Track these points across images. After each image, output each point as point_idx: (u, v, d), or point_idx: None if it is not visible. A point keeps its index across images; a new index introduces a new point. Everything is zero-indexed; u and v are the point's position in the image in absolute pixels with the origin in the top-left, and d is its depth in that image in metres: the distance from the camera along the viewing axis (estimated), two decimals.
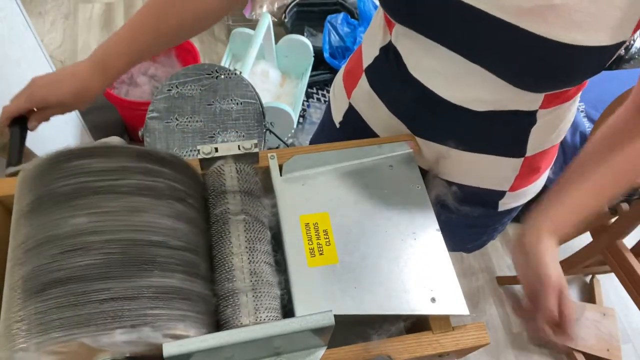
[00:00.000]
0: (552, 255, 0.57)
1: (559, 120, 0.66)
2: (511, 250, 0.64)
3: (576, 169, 0.60)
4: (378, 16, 0.69)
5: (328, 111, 0.88)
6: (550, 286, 0.54)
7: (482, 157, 0.68)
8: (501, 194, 0.74)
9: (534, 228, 0.58)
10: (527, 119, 0.63)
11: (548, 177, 0.78)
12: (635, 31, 0.49)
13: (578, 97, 0.67)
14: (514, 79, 0.55)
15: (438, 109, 0.64)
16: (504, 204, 0.77)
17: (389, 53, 0.66)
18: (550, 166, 0.76)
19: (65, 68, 0.66)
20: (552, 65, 0.51)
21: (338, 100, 0.83)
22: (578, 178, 0.59)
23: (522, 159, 0.68)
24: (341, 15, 1.90)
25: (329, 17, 1.89)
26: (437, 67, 0.60)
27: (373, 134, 0.76)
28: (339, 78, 0.83)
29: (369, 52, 0.71)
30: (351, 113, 0.79)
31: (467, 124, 0.64)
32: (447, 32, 0.55)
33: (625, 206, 1.15)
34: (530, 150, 0.68)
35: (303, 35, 1.90)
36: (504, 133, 0.65)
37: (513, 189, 0.73)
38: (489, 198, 0.75)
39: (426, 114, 0.66)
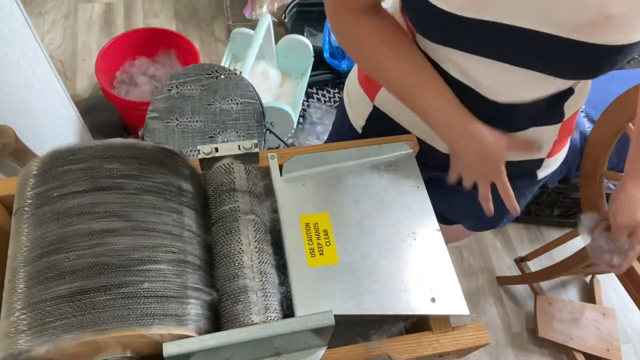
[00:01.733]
0: None
1: (588, 83, 0.69)
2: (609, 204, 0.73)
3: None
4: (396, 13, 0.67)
5: (343, 116, 0.86)
6: None
7: (525, 131, 0.69)
8: (539, 162, 0.77)
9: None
10: (566, 93, 0.65)
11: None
12: None
13: None
14: (567, 76, 0.57)
15: (480, 105, 0.63)
16: (541, 172, 0.79)
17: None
18: (575, 126, 0.79)
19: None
20: (609, 62, 0.52)
21: (356, 105, 0.81)
22: None
23: (561, 123, 0.71)
24: None
25: None
26: (483, 72, 0.59)
27: (404, 132, 0.75)
28: (353, 82, 0.81)
29: None
30: (376, 115, 0.77)
31: (511, 114, 0.65)
32: (491, 50, 0.55)
33: None
34: (567, 114, 0.70)
35: (303, 35, 1.90)
36: (546, 109, 0.66)
37: (550, 154, 0.76)
38: (529, 167, 0.77)
39: (468, 109, 0.65)
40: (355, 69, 0.82)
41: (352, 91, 0.82)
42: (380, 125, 0.77)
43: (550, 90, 0.62)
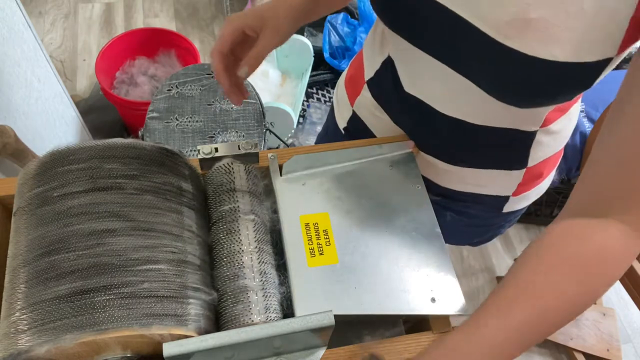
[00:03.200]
0: None
1: (560, 133, 0.65)
2: None
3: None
4: (379, 26, 0.68)
5: (332, 115, 0.88)
6: None
7: (483, 171, 0.68)
8: (505, 199, 0.74)
9: None
10: (527, 137, 0.62)
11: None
12: (622, 50, 0.45)
13: (578, 105, 0.66)
14: (495, 92, 0.53)
15: (435, 123, 0.63)
16: (509, 207, 0.77)
17: (388, 67, 0.66)
18: (555, 169, 0.76)
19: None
20: (531, 81, 0.48)
21: (341, 106, 0.82)
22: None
23: (524, 170, 0.68)
24: (341, 15, 1.90)
25: (329, 17, 1.89)
26: (429, 80, 0.59)
27: None
28: (341, 83, 0.83)
29: (370, 64, 0.71)
30: (355, 120, 0.78)
31: (465, 139, 0.64)
32: (430, 38, 0.54)
33: None
34: (532, 162, 0.67)
35: (303, 35, 1.90)
36: (504, 150, 0.65)
37: (516, 194, 0.73)
38: (493, 203, 0.75)
39: (424, 128, 0.66)
40: (346, 70, 0.83)
41: (340, 92, 0.83)
42: (358, 131, 0.78)
43: (500, 119, 0.59)
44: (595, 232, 0.45)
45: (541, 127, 0.62)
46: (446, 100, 0.60)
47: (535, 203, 0.80)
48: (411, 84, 0.63)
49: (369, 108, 0.74)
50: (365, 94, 0.73)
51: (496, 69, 0.50)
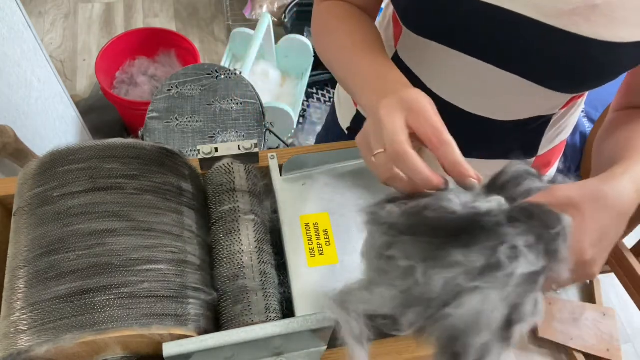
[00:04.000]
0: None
1: (571, 117, 0.66)
2: None
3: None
4: (383, 23, 0.67)
5: (333, 116, 0.86)
6: None
7: (495, 162, 0.68)
8: None
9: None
10: (544, 121, 0.62)
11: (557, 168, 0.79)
12: None
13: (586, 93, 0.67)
14: (548, 82, 0.53)
15: (455, 120, 0.62)
16: None
17: (397, 64, 0.64)
18: (560, 157, 0.76)
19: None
20: (595, 65, 0.49)
21: (344, 106, 0.81)
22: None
23: (534, 158, 0.68)
24: None
25: None
26: (459, 78, 0.57)
27: None
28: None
29: None
30: (359, 119, 0.77)
31: (484, 134, 0.63)
32: (477, 41, 0.52)
33: None
34: (542, 150, 0.67)
35: (303, 35, 1.90)
36: (520, 139, 0.65)
37: None
38: None
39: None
40: None
41: (342, 91, 0.82)
42: None
43: (533, 109, 0.59)
44: None
45: (560, 109, 0.61)
46: (476, 99, 0.59)
47: None
48: (430, 81, 0.61)
49: None
50: None
51: (555, 58, 0.49)
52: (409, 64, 0.63)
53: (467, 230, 0.35)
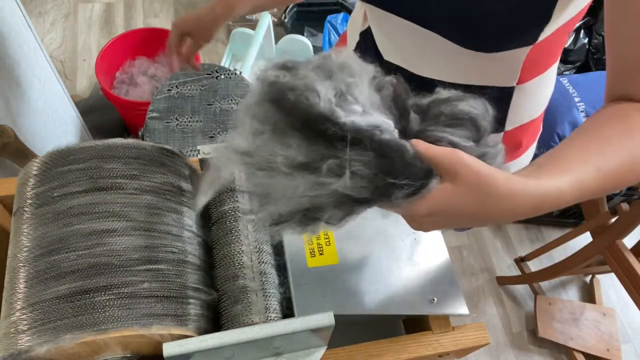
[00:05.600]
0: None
1: (537, 93, 0.66)
2: None
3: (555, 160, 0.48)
4: (359, 1, 0.70)
5: None
6: None
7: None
8: None
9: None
10: (504, 93, 0.63)
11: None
12: None
13: (554, 70, 0.67)
14: (460, 39, 0.54)
15: (416, 87, 0.64)
16: None
17: (367, 38, 0.67)
18: (535, 143, 0.76)
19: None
20: (489, 17, 0.49)
21: None
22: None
23: (501, 134, 0.69)
24: (341, 15, 1.90)
25: (329, 17, 1.89)
26: (402, 43, 0.61)
27: None
28: None
29: (352, 37, 0.73)
30: None
31: None
32: (403, 2, 0.56)
33: (625, 206, 1.14)
34: (509, 125, 0.68)
35: (303, 35, 1.90)
36: None
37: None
38: None
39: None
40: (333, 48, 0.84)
41: None
42: None
43: (476, 75, 0.60)
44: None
45: (517, 83, 0.62)
46: (420, 61, 0.62)
47: None
48: (388, 51, 0.64)
49: None
50: None
51: (453, 10, 0.51)
52: (376, 37, 0.66)
53: (311, 127, 0.37)
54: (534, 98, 0.67)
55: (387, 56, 0.65)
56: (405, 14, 0.57)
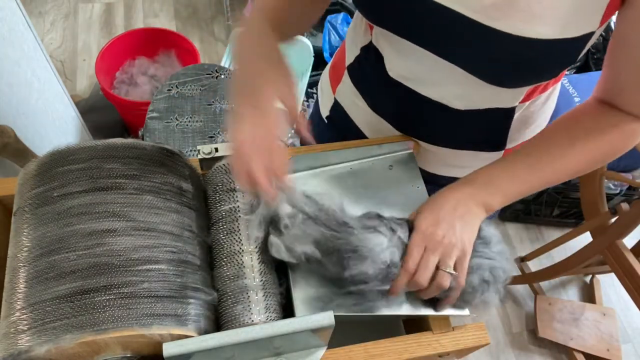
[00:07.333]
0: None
1: (538, 112, 0.66)
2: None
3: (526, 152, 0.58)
4: (360, 14, 0.69)
5: (316, 105, 0.89)
6: None
7: (462, 152, 0.69)
8: None
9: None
10: (506, 114, 0.63)
11: None
12: (603, 22, 0.47)
13: (557, 88, 0.68)
14: (483, 75, 0.54)
15: (419, 107, 0.64)
16: None
17: (370, 53, 0.67)
18: None
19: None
20: (517, 60, 0.50)
21: (325, 94, 0.83)
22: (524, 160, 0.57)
23: (502, 151, 0.69)
24: (341, 15, 1.90)
25: (329, 17, 1.89)
26: (414, 66, 0.60)
27: (357, 130, 0.77)
28: (325, 72, 0.85)
29: (351, 50, 0.72)
30: (337, 108, 0.79)
31: (447, 121, 0.65)
32: (417, 31, 0.55)
33: (625, 206, 1.14)
34: (510, 143, 0.68)
35: (303, 35, 1.90)
36: (484, 130, 0.66)
37: None
38: None
39: (407, 112, 0.67)
40: (332, 59, 0.84)
41: (324, 80, 0.84)
42: (340, 119, 0.79)
43: (483, 101, 0.61)
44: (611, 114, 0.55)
45: (520, 102, 0.62)
46: (428, 83, 0.61)
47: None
48: (395, 69, 0.63)
49: (349, 96, 0.75)
50: (346, 80, 0.74)
51: (482, 51, 0.51)
52: (383, 53, 0.64)
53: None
54: (536, 115, 0.67)
55: (393, 72, 0.64)
56: (427, 46, 0.56)
